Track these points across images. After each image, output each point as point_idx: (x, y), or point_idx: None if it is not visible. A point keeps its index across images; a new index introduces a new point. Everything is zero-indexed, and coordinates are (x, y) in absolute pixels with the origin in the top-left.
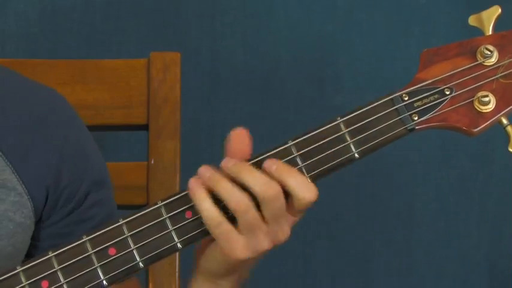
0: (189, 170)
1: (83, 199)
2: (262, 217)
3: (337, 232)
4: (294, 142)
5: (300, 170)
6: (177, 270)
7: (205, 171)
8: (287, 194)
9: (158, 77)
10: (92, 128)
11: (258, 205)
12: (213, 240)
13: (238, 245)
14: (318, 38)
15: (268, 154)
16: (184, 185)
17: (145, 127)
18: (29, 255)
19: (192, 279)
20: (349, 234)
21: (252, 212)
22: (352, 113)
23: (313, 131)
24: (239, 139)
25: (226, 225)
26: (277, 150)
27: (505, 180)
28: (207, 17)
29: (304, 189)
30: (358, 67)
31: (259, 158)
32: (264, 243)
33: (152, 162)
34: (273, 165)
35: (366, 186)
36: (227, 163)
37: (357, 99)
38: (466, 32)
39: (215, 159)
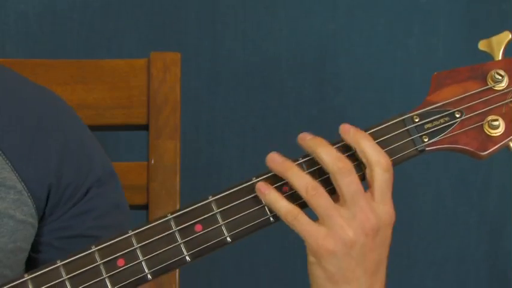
0: (189, 170)
1: (84, 194)
2: (338, 200)
3: None
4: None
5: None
6: (177, 270)
7: (276, 157)
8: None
9: (158, 77)
10: (92, 128)
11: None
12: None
13: (320, 234)
14: (318, 38)
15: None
16: (184, 185)
17: (145, 127)
18: (34, 251)
19: None
20: None
21: (323, 193)
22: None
23: None
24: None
25: (303, 217)
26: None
27: (505, 180)
28: (207, 17)
29: (378, 153)
30: (358, 67)
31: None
32: (347, 230)
33: (152, 162)
34: (350, 128)
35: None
36: (305, 136)
37: (357, 99)
38: (466, 32)
39: (215, 159)
